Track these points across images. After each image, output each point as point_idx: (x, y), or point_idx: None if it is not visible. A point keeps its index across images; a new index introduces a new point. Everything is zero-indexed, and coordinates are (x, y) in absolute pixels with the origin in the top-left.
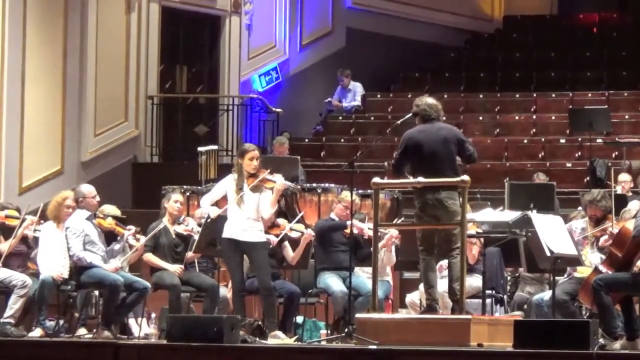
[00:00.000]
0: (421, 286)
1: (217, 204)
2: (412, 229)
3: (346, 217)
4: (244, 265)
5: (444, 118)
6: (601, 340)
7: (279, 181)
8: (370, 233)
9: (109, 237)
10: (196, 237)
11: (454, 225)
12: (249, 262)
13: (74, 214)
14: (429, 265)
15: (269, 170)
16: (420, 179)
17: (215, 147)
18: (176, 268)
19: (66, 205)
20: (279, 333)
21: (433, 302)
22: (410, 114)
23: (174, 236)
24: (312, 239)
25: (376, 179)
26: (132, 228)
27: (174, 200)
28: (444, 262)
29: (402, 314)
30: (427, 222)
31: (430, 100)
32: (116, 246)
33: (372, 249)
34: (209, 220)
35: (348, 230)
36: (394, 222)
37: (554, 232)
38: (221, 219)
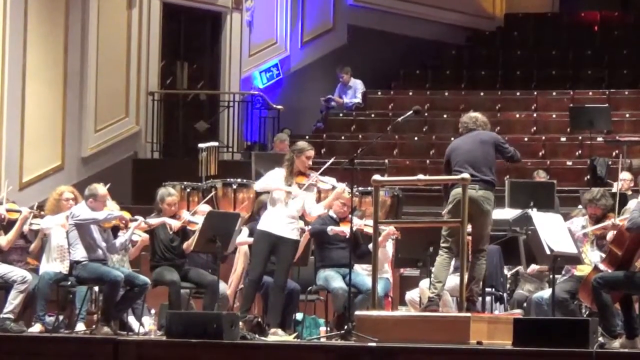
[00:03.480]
0: (421, 283)
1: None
2: (411, 226)
3: (344, 214)
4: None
5: (488, 128)
6: (601, 339)
7: (339, 186)
8: (367, 230)
9: (114, 230)
10: (189, 227)
11: (456, 225)
12: (274, 255)
13: (78, 205)
14: (444, 262)
15: (319, 172)
16: (420, 176)
17: (215, 143)
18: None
19: (65, 199)
20: (279, 330)
21: (436, 296)
22: (411, 112)
23: (171, 232)
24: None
25: (376, 176)
26: (139, 219)
27: (167, 203)
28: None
29: (401, 312)
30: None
31: (472, 113)
32: (122, 238)
33: (370, 245)
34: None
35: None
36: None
37: (554, 231)
38: (223, 219)
